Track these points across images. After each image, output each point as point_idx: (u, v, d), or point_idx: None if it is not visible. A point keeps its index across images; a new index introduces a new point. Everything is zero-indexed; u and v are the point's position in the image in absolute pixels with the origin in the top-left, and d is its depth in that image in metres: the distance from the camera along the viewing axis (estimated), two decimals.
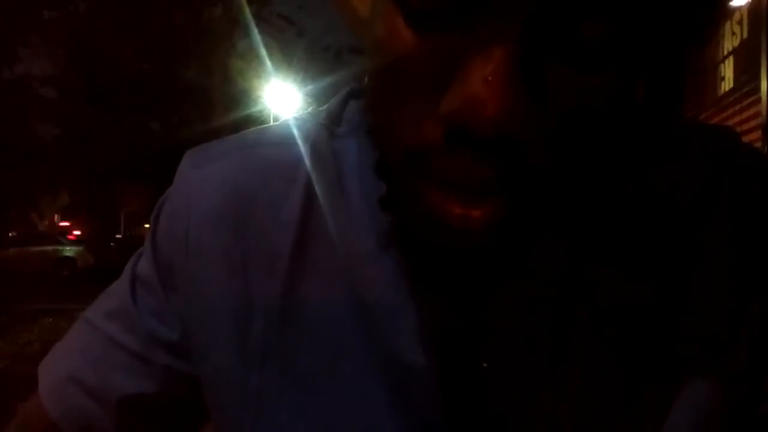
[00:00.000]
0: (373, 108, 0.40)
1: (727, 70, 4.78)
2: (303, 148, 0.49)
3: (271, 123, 0.57)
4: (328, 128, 0.50)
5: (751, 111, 4.36)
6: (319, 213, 0.47)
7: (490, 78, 0.32)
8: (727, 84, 4.82)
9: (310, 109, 0.54)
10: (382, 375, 0.45)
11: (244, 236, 0.48)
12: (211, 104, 17.22)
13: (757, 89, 4.21)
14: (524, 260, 0.43)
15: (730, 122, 4.47)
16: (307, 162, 0.49)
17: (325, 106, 0.53)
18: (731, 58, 4.58)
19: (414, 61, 0.35)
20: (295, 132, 0.51)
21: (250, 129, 0.56)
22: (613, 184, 0.40)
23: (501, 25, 0.32)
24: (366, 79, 0.50)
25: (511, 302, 0.44)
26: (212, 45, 17.51)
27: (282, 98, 17.38)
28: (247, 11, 16.75)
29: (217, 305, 0.47)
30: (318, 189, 0.48)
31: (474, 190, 0.35)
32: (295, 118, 0.53)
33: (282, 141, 0.50)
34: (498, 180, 0.35)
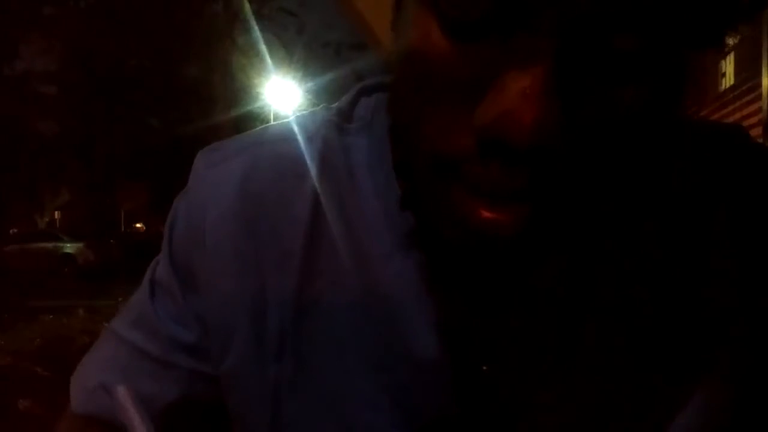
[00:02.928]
0: (400, 111, 0.40)
1: (728, 66, 4.78)
2: (313, 145, 0.50)
3: (272, 120, 0.58)
4: (339, 125, 0.51)
5: (752, 108, 4.36)
6: (329, 210, 0.48)
7: (526, 91, 0.32)
8: (728, 80, 4.82)
9: (321, 106, 0.54)
10: (393, 369, 0.45)
11: (258, 233, 0.48)
12: (212, 101, 17.23)
13: (758, 86, 4.21)
14: (540, 263, 0.43)
15: (731, 119, 4.46)
16: (317, 158, 0.49)
17: (336, 103, 0.53)
18: (732, 54, 4.58)
19: (448, 69, 0.35)
20: (306, 128, 0.51)
21: (261, 126, 0.56)
22: (631, 187, 0.40)
23: (538, 39, 0.32)
24: (384, 77, 0.50)
25: (520, 304, 0.44)
26: (213, 41, 17.50)
27: (282, 95, 17.36)
28: (248, 8, 16.76)
29: (234, 302, 0.48)
30: (328, 185, 0.48)
31: (504, 196, 0.35)
32: (306, 115, 0.53)
33: (292, 138, 0.51)
34: (528, 188, 0.35)
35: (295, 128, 0.51)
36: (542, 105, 0.32)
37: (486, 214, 0.35)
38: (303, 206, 0.48)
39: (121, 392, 0.46)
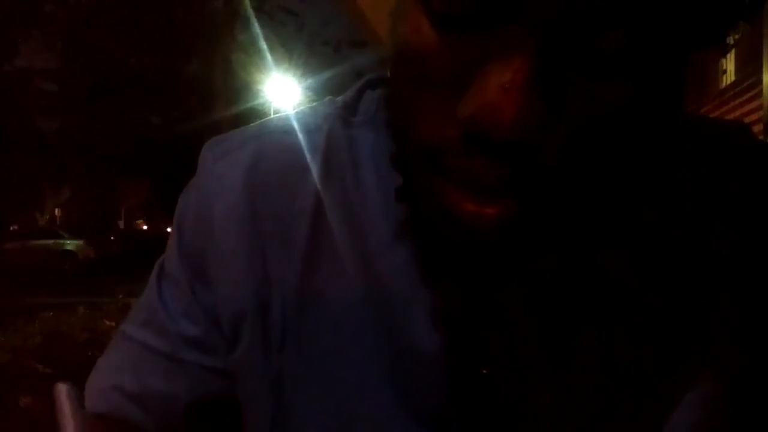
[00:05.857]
0: (393, 103, 0.41)
1: (729, 63, 4.78)
2: (318, 137, 0.50)
3: (272, 116, 0.58)
4: (344, 117, 0.51)
5: (753, 104, 4.36)
6: (333, 200, 0.48)
7: (507, 85, 0.32)
8: (729, 77, 4.82)
9: (326, 99, 0.55)
10: (393, 360, 0.45)
11: (263, 224, 0.49)
12: (212, 97, 17.20)
13: (759, 82, 4.21)
14: (534, 258, 0.43)
15: (731, 115, 4.47)
16: (321, 150, 0.49)
17: (341, 96, 0.54)
18: (732, 51, 4.57)
19: (435, 61, 0.35)
20: (311, 121, 0.52)
21: (266, 118, 0.57)
22: (624, 184, 0.41)
23: (522, 32, 0.32)
24: (383, 70, 0.51)
25: (516, 302, 0.44)
26: (213, 38, 17.47)
27: (282, 92, 17.36)
28: (248, 4, 16.72)
29: (242, 292, 0.48)
30: (332, 177, 0.49)
31: (488, 189, 0.35)
32: (311, 107, 0.54)
33: (298, 130, 0.51)
34: (512, 181, 0.35)
35: (301, 120, 0.52)
36: (523, 99, 0.32)
37: (471, 207, 0.36)
38: (307, 198, 0.48)
39: (61, 390, 0.46)
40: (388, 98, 0.43)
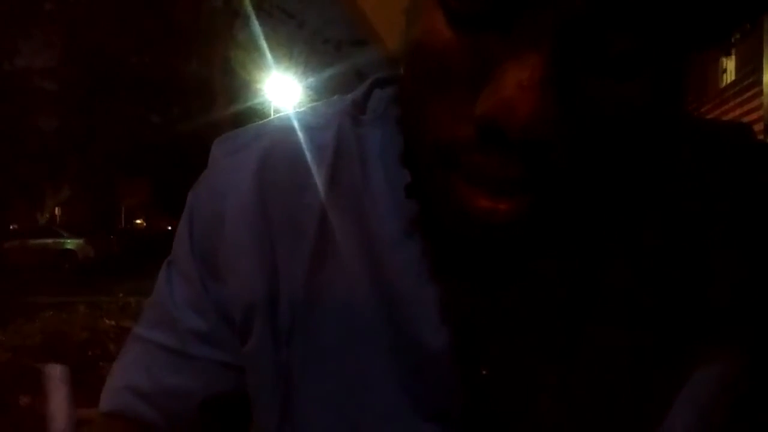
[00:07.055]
0: (406, 100, 0.41)
1: (729, 62, 4.78)
2: (327, 134, 0.51)
3: (272, 116, 0.58)
4: (353, 115, 0.52)
5: (753, 104, 4.37)
6: (342, 197, 0.48)
7: (524, 83, 0.32)
8: (729, 76, 4.83)
9: (335, 97, 0.55)
10: (399, 356, 0.46)
11: (273, 220, 0.49)
12: (212, 96, 17.20)
13: (759, 82, 4.21)
14: (543, 256, 0.44)
15: (732, 115, 4.47)
16: (331, 147, 0.50)
17: (350, 95, 0.54)
18: (733, 50, 4.57)
19: (451, 59, 0.36)
20: (321, 118, 0.52)
21: (275, 115, 0.57)
22: (629, 185, 0.41)
23: (537, 31, 0.32)
24: (387, 69, 0.51)
25: (519, 303, 0.44)
26: (213, 37, 17.48)
27: (282, 91, 17.37)
28: (248, 2, 16.72)
29: (253, 285, 0.49)
30: (341, 174, 0.49)
31: (502, 186, 0.36)
32: (321, 105, 0.55)
33: (307, 126, 0.52)
34: (525, 178, 0.35)
35: (310, 117, 0.53)
36: (538, 97, 0.32)
37: (484, 202, 0.36)
38: (316, 194, 0.49)
39: (58, 370, 0.46)
40: (401, 96, 0.44)
